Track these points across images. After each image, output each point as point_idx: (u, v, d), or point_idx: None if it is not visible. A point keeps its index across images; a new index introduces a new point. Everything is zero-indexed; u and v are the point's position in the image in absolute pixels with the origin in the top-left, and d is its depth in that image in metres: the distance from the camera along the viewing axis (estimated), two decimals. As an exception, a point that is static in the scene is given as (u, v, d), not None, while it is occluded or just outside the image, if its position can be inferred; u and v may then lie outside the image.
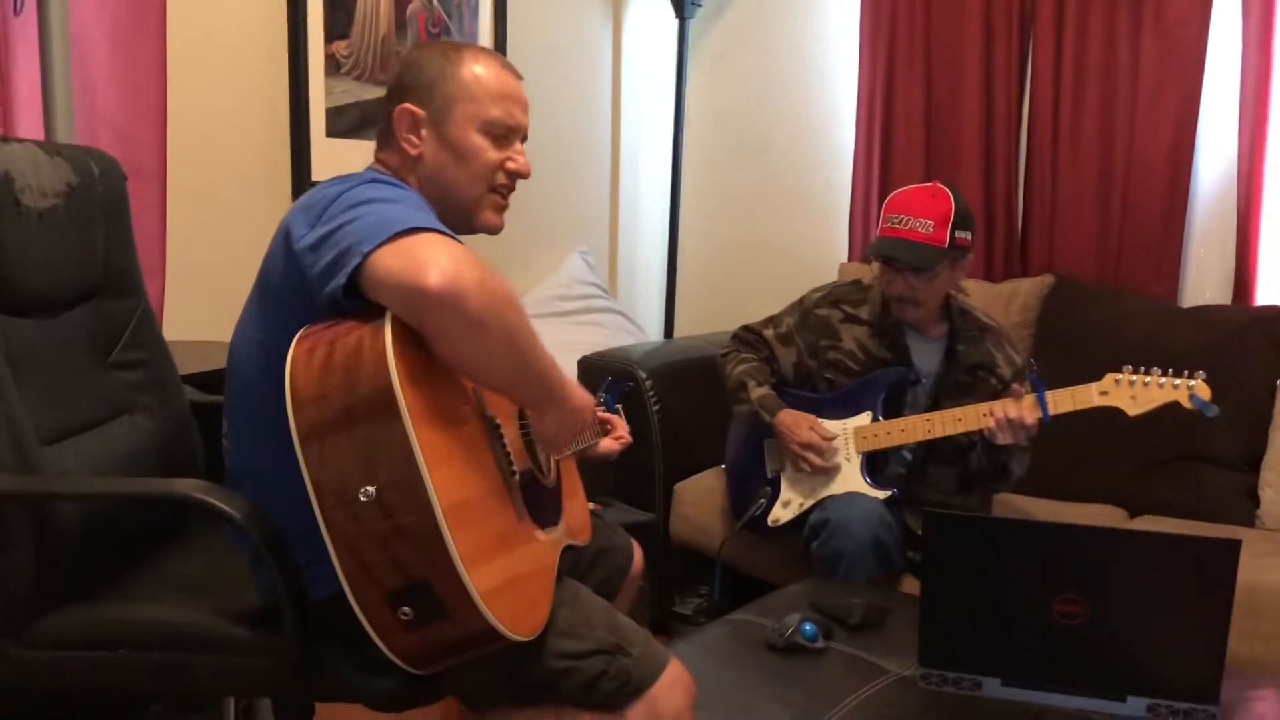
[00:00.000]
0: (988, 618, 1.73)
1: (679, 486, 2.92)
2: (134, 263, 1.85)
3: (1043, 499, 2.82)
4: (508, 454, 1.46)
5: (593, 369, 2.97)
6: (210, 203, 2.78)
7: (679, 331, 3.88)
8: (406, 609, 1.25)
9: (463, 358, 1.35)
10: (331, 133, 3.02)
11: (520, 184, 1.65)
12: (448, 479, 1.27)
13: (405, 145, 1.57)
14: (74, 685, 1.48)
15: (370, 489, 1.23)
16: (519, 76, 1.65)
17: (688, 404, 2.97)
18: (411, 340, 1.31)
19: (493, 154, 1.58)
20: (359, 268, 1.29)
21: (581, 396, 1.55)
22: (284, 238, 1.44)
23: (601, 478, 2.92)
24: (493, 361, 1.36)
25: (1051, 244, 3.16)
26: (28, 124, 2.39)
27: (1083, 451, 2.82)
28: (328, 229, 1.36)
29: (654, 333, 3.93)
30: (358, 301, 1.32)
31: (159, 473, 1.75)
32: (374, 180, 1.46)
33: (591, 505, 2.74)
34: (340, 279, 1.31)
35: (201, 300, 2.70)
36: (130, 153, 2.58)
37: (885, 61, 3.37)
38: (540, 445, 1.65)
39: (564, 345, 3.30)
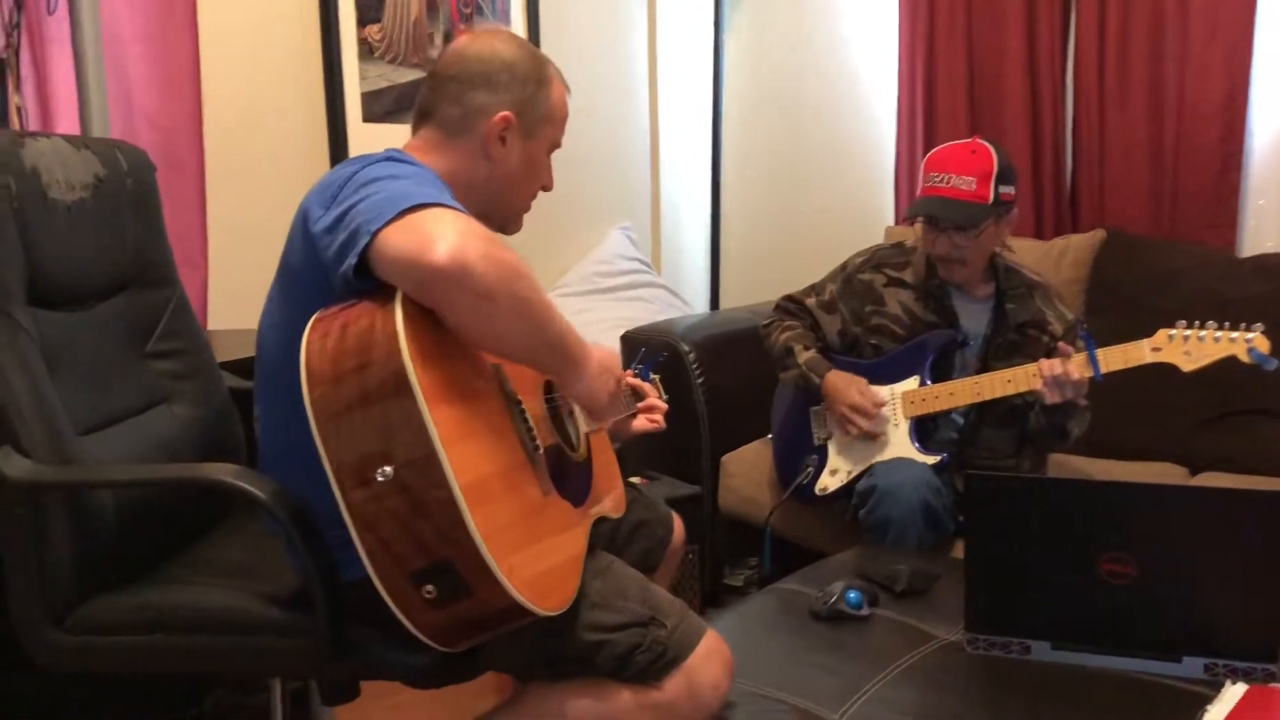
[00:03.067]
0: (1034, 580, 1.68)
1: (726, 458, 2.90)
2: (166, 253, 1.87)
3: (1100, 459, 2.75)
4: (530, 429, 1.45)
5: (635, 344, 2.95)
6: (249, 192, 2.81)
7: (725, 303, 3.85)
8: (430, 587, 1.24)
9: (475, 331, 1.35)
10: (368, 117, 3.03)
11: (559, 163, 1.72)
12: (465, 456, 1.26)
13: (492, 149, 1.57)
14: (113, 669, 1.50)
15: (388, 469, 1.23)
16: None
17: (733, 375, 2.94)
18: (424, 319, 1.30)
19: (547, 174, 1.66)
20: (368, 247, 1.29)
21: (603, 357, 1.55)
22: (302, 220, 1.44)
23: (648, 452, 2.92)
24: (506, 332, 1.35)
25: (1102, 197, 3.07)
26: (66, 121, 2.44)
27: (1140, 408, 2.75)
28: (341, 209, 1.36)
29: (701, 306, 3.91)
30: (371, 281, 1.32)
31: (198, 459, 1.76)
32: (387, 159, 1.46)
33: (634, 480, 2.75)
34: (351, 259, 1.31)
35: (244, 289, 2.72)
36: (168, 146, 2.63)
37: (925, 18, 3.29)
38: (581, 413, 1.67)
39: (607, 321, 3.30)
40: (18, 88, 2.30)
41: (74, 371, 1.60)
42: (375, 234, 1.29)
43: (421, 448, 1.22)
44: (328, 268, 1.36)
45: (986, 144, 2.34)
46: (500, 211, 1.62)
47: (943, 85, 3.29)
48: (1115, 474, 2.68)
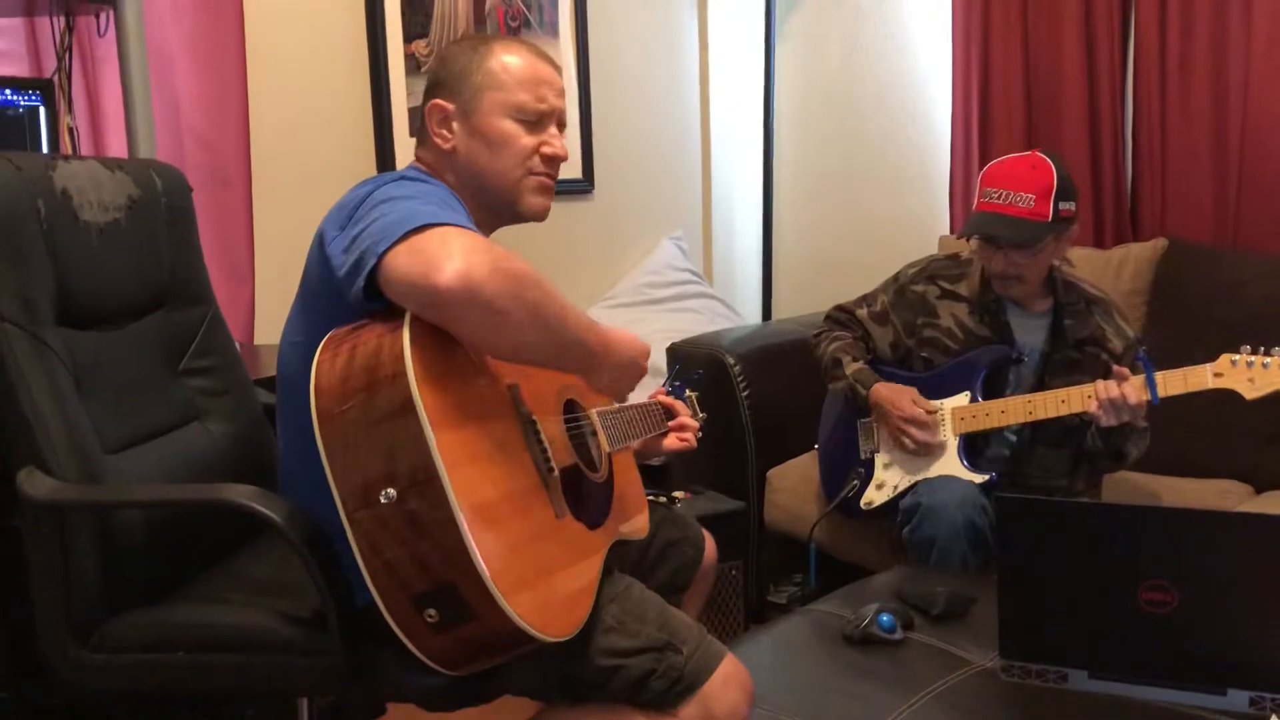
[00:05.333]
0: (1070, 607, 1.63)
1: (772, 473, 2.86)
2: (202, 271, 1.89)
3: (1162, 475, 2.67)
4: (545, 450, 1.43)
5: (681, 355, 2.92)
6: (297, 207, 2.84)
7: (778, 314, 3.81)
8: (432, 611, 1.23)
9: (491, 345, 1.35)
10: (415, 132, 3.04)
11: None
12: (471, 479, 1.25)
13: (438, 140, 1.57)
14: (137, 686, 1.51)
15: (391, 490, 1.22)
16: (554, 65, 1.63)
17: (780, 388, 2.90)
18: (433, 339, 1.30)
19: (526, 139, 1.56)
20: (375, 269, 1.29)
21: (629, 345, 1.55)
22: (319, 240, 1.46)
23: (693, 466, 2.89)
24: (523, 341, 1.35)
25: (1164, 206, 2.99)
26: (117, 141, 2.48)
27: (1204, 424, 2.65)
28: (354, 230, 1.37)
29: (753, 317, 3.87)
30: (382, 302, 1.32)
31: (231, 475, 1.77)
32: (401, 178, 1.47)
33: (678, 494, 2.72)
34: (360, 281, 1.31)
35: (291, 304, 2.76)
36: (216, 162, 2.67)
37: (980, 23, 3.22)
38: (604, 432, 1.65)
39: (657, 333, 3.28)
40: (69, 109, 2.35)
41: (105, 390, 1.62)
42: (382, 256, 1.29)
43: (425, 470, 1.22)
44: (341, 288, 1.37)
45: (1047, 158, 2.27)
46: (491, 195, 1.57)
47: (998, 92, 3.22)
48: (1177, 490, 2.59)
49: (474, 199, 1.55)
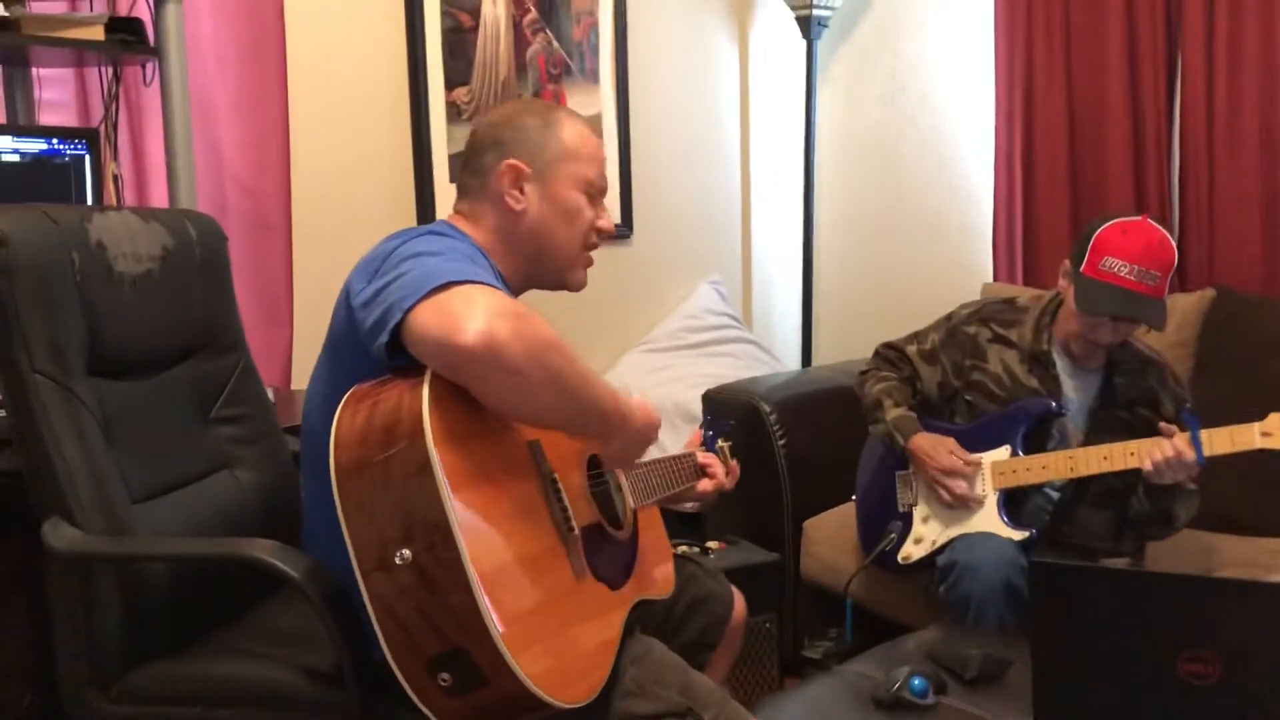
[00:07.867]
0: (1107, 676, 1.57)
1: (809, 524, 2.82)
2: (235, 319, 1.90)
3: (1208, 531, 2.59)
4: (565, 509, 1.42)
5: (716, 403, 2.90)
6: (337, 252, 2.85)
7: (818, 360, 3.77)
8: (446, 675, 1.22)
9: (509, 406, 1.34)
10: (455, 179, 3.07)
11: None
12: (486, 541, 1.24)
13: (509, 200, 1.57)
14: (157, 739, 1.52)
15: (406, 552, 1.22)
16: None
17: (816, 438, 2.86)
18: (453, 399, 1.29)
19: (589, 212, 1.62)
20: (399, 325, 1.29)
21: (646, 417, 1.52)
22: (346, 293, 1.46)
23: (729, 516, 2.85)
24: (541, 405, 1.34)
25: (1212, 255, 2.92)
26: (161, 189, 2.52)
27: (1252, 479, 2.57)
28: (379, 285, 1.37)
29: (792, 362, 3.83)
30: (405, 358, 1.32)
31: (259, 525, 1.77)
32: (429, 232, 1.47)
33: (711, 544, 2.69)
34: (384, 337, 1.31)
35: (329, 348, 2.78)
36: (257, 208, 2.70)
37: (1023, 69, 3.19)
38: (629, 487, 1.64)
39: (693, 378, 3.26)
40: (115, 158, 2.39)
41: (134, 440, 1.63)
42: (406, 313, 1.29)
43: (439, 533, 1.21)
44: (365, 343, 1.37)
45: (1162, 229, 2.19)
46: (548, 262, 1.61)
47: (1041, 136, 3.18)
48: (1224, 548, 2.52)
49: (524, 262, 1.59)
